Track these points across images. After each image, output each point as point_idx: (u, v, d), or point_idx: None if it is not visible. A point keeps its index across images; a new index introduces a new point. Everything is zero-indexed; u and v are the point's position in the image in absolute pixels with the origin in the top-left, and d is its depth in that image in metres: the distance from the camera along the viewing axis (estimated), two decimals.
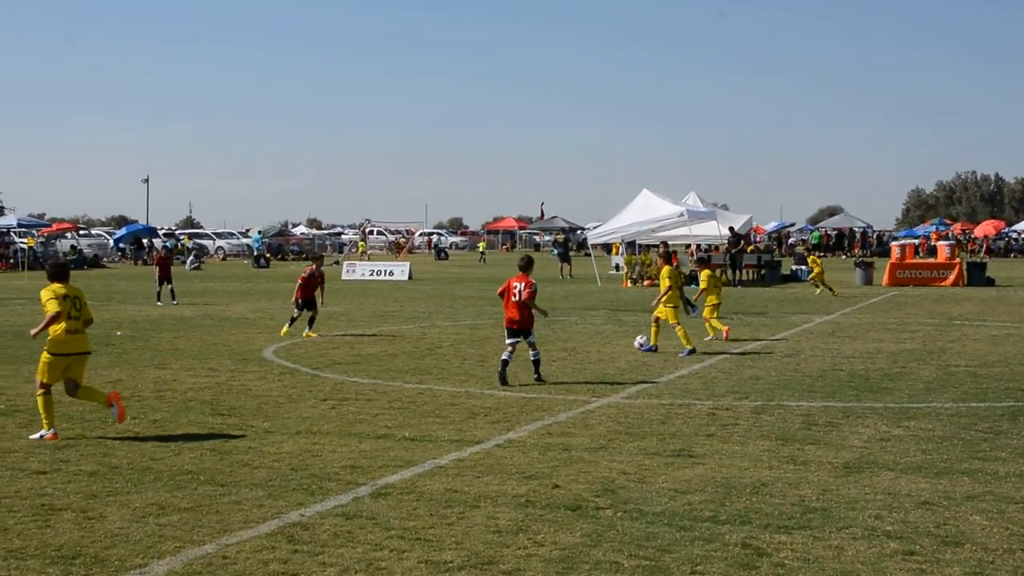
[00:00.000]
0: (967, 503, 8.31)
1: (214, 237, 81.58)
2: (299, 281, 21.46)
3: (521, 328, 14.74)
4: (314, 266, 21.87)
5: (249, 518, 7.89)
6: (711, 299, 20.51)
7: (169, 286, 29.83)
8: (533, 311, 14.76)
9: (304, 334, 20.77)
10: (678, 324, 18.31)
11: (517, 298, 14.73)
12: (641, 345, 18.75)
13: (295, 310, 21.37)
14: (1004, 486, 8.85)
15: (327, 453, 10.09)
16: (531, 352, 14.91)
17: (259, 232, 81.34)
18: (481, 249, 77.84)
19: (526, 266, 15.03)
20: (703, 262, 22.51)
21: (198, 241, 76.12)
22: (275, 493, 8.60)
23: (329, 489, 8.72)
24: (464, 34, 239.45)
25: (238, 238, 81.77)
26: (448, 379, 15.11)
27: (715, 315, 20.48)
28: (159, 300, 29.62)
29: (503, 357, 14.73)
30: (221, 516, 7.95)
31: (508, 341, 14.84)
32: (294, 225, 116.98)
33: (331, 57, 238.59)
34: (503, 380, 14.42)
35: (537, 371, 14.89)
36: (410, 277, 45.56)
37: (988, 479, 9.09)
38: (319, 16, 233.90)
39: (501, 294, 15.04)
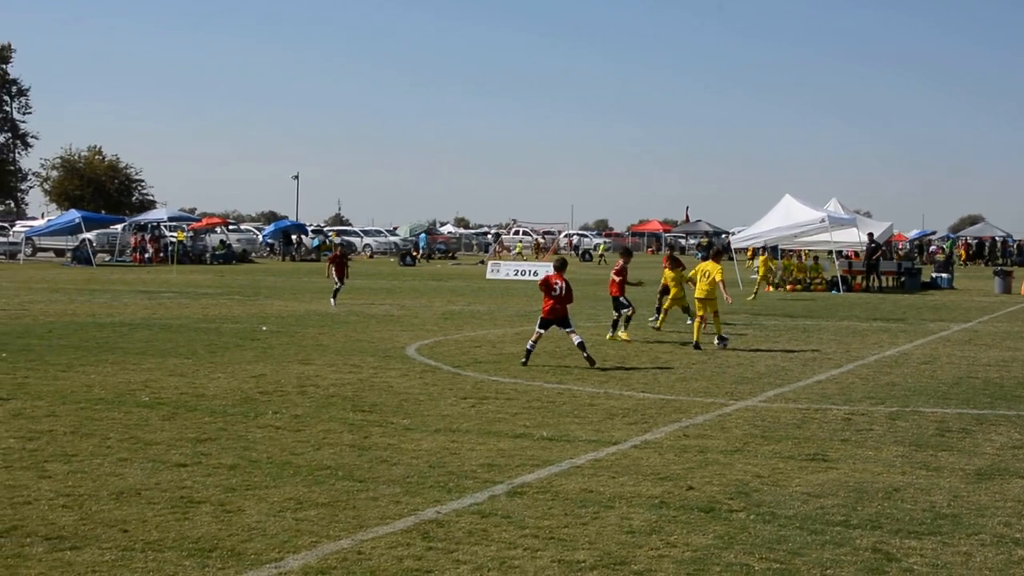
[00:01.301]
0: None
1: (362, 235, 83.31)
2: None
3: (556, 319, 16.78)
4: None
5: (385, 514, 8.15)
6: (675, 292, 21.42)
7: (338, 286, 28.76)
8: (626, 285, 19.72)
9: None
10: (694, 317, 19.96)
11: (557, 293, 16.78)
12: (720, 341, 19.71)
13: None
14: None
15: (465, 451, 10.44)
16: (574, 338, 16.67)
17: (409, 230, 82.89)
18: (600, 251, 76.89)
19: (560, 267, 17.58)
20: (674, 262, 22.28)
21: (346, 238, 77.82)
22: (412, 490, 8.89)
23: (466, 487, 9.02)
24: (611, 29, 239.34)
25: (386, 235, 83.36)
26: (588, 379, 15.38)
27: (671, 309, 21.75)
28: (334, 300, 28.42)
29: (529, 345, 16.87)
30: (358, 512, 8.22)
31: (539, 330, 16.92)
32: (442, 224, 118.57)
33: (478, 55, 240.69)
34: (527, 361, 16.64)
35: (585, 352, 16.54)
36: None
37: None
38: (469, 15, 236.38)
39: (542, 287, 17.10)
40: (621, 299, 20.82)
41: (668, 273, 21.33)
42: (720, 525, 7.96)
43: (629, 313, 20.83)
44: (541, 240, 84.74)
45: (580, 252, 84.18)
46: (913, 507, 8.47)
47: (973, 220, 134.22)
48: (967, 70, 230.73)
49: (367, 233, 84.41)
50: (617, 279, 20.88)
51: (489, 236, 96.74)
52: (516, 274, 47.41)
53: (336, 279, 28.94)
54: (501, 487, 9.02)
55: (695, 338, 19.43)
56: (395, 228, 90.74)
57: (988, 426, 11.91)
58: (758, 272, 37.82)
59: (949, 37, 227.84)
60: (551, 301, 16.85)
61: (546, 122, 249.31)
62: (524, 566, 7.02)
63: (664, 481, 9.28)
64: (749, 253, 57.12)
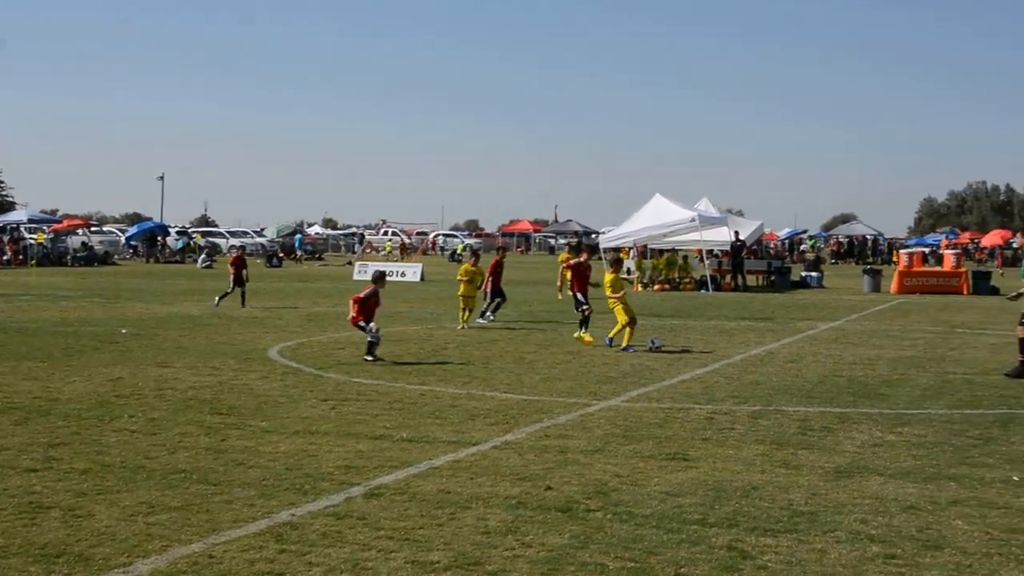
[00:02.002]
0: (951, 508, 8.40)
1: (228, 236, 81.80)
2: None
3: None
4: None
5: (239, 517, 7.96)
6: (610, 302, 20.55)
7: (241, 289, 28.32)
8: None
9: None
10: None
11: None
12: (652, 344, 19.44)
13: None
14: (988, 492, 8.94)
15: (323, 453, 10.20)
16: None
17: (277, 231, 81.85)
18: (459, 250, 77.20)
19: (377, 280, 18.27)
20: (614, 264, 22.33)
21: (211, 239, 76.41)
22: (267, 493, 8.69)
23: (322, 489, 8.81)
24: (484, 26, 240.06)
25: (252, 236, 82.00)
26: (451, 381, 15.22)
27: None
28: (218, 303, 28.04)
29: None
30: (211, 515, 8.02)
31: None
32: (309, 224, 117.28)
33: (356, 43, 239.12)
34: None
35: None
36: (422, 278, 45.73)
37: (974, 484, 9.18)
38: (346, 9, 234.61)
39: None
40: (579, 296, 21.11)
41: (608, 278, 20.89)
42: (577, 525, 7.85)
43: (588, 312, 20.98)
44: (407, 240, 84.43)
45: (450, 253, 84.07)
46: (771, 505, 8.48)
47: (845, 219, 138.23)
48: (834, 74, 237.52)
49: (233, 234, 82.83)
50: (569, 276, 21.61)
51: (364, 236, 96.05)
52: None
53: (231, 283, 28.54)
54: (358, 489, 8.84)
55: (626, 342, 19.31)
56: (262, 229, 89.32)
57: (850, 424, 12.07)
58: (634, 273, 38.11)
59: (818, 42, 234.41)
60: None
61: (415, 120, 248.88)
62: (377, 568, 6.87)
63: (523, 481, 9.16)
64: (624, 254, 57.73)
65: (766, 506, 8.45)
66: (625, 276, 48.95)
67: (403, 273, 46.95)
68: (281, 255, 66.19)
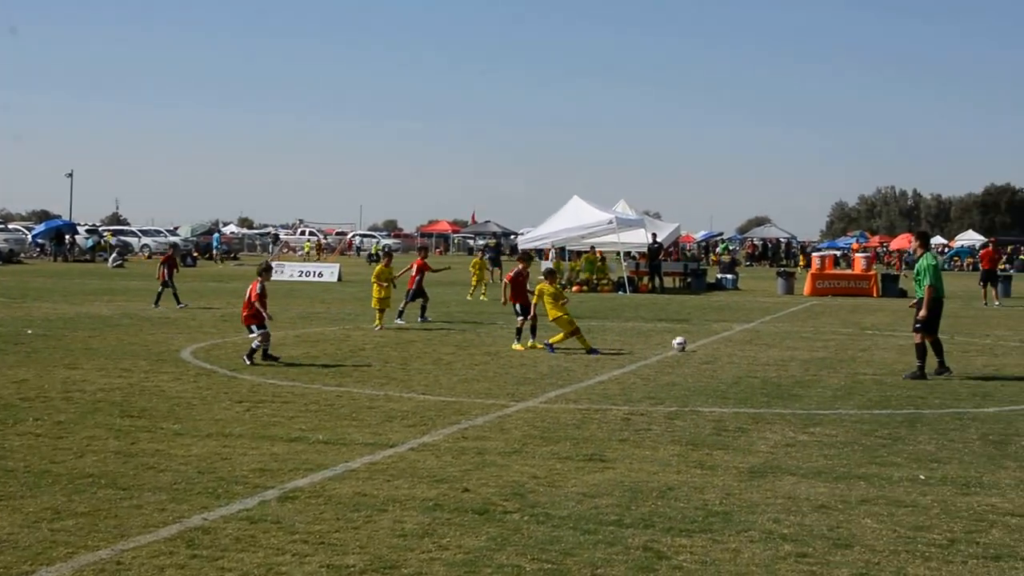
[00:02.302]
0: (861, 506, 8.55)
1: (139, 235, 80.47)
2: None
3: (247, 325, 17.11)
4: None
5: (149, 522, 7.81)
6: (553, 313, 19.82)
7: (172, 289, 28.19)
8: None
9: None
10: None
11: (246, 298, 17.03)
12: (680, 345, 19.74)
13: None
14: (896, 490, 9.12)
15: (237, 456, 10.07)
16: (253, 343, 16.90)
17: (191, 230, 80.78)
18: (375, 250, 77.28)
19: (262, 272, 17.75)
20: (550, 274, 21.79)
21: (122, 238, 75.14)
22: (179, 497, 8.55)
23: (235, 492, 8.70)
24: (399, 26, 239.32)
25: (166, 235, 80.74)
26: (368, 382, 15.14)
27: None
28: (157, 304, 28.05)
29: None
30: (119, 521, 7.85)
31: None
32: (224, 224, 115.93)
33: (268, 43, 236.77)
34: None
35: (251, 357, 16.78)
36: (339, 279, 45.44)
37: (882, 483, 9.35)
38: (259, 7, 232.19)
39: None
40: (517, 307, 20.41)
41: (541, 287, 20.40)
42: (494, 527, 7.85)
43: (527, 322, 20.33)
44: (323, 240, 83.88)
45: (369, 254, 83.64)
46: (686, 505, 8.55)
47: (759, 221, 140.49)
48: (751, 77, 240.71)
49: (146, 233, 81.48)
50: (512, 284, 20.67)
51: (278, 236, 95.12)
52: (300, 275, 46.63)
53: (164, 281, 28.21)
54: (272, 492, 8.74)
55: (585, 347, 19.22)
56: (176, 228, 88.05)
57: (764, 424, 12.22)
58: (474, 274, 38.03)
59: (737, 47, 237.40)
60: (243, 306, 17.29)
61: (333, 119, 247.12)
62: (292, 572, 6.79)
63: (440, 483, 9.13)
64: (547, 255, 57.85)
65: (681, 506, 8.52)
66: (542, 278, 49.34)
67: (320, 273, 46.60)
68: (195, 254, 65.29)
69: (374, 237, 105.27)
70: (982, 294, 36.12)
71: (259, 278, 17.44)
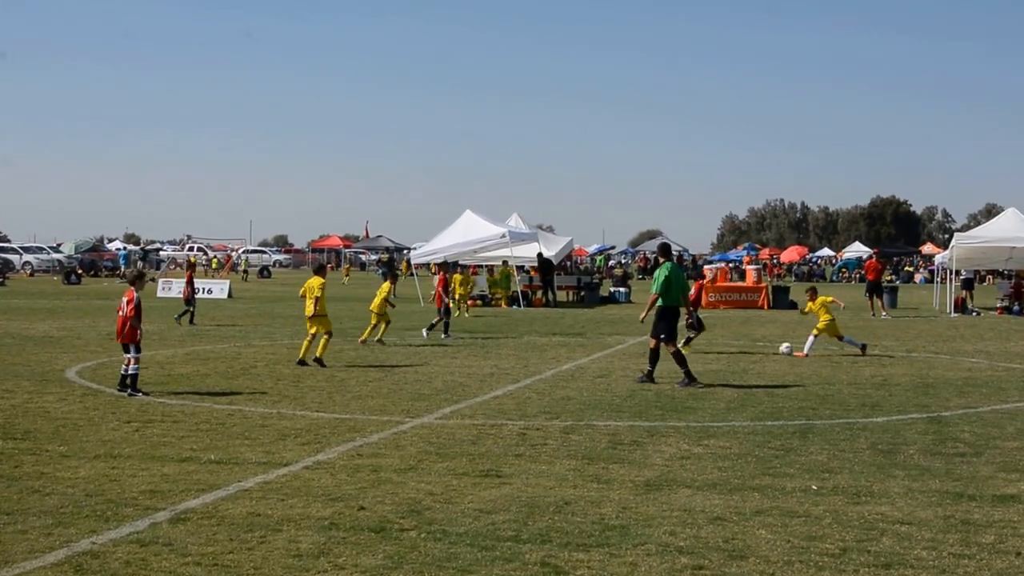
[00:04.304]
0: (755, 518, 8.64)
1: (21, 252, 78.24)
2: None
3: (122, 343, 15.54)
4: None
5: (35, 548, 7.56)
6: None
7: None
8: None
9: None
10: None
11: (123, 312, 15.54)
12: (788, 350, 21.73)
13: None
14: (789, 501, 9.24)
15: (126, 478, 9.81)
16: (130, 368, 15.35)
17: (75, 246, 78.88)
18: (244, 266, 76.58)
19: (134, 280, 16.53)
20: (319, 270, 21.36)
21: (2, 256, 72.98)
22: (66, 521, 8.29)
23: (125, 515, 8.47)
24: (290, 40, 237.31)
25: (48, 252, 78.64)
26: (260, 400, 14.91)
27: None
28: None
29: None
30: (3, 547, 7.58)
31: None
32: (110, 240, 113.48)
33: (150, 57, 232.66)
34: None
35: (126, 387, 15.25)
36: (230, 295, 44.78)
37: (776, 494, 9.48)
38: (138, 16, 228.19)
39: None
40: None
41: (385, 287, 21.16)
42: (390, 545, 7.75)
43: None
44: (209, 255, 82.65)
45: (259, 269, 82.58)
46: (583, 520, 8.55)
47: (651, 234, 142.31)
48: (642, 89, 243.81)
49: (27, 250, 79.20)
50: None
51: (162, 252, 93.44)
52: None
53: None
54: (163, 514, 8.52)
55: (302, 355, 19.17)
56: (59, 244, 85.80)
57: (659, 437, 12.30)
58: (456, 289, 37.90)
59: (627, 57, 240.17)
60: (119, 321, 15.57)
61: (222, 134, 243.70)
62: None
63: (335, 502, 9.00)
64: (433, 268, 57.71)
65: (578, 521, 8.52)
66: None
67: (210, 290, 45.84)
68: (80, 272, 63.73)
69: (264, 252, 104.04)
70: (869, 305, 37.00)
71: (131, 288, 16.12)
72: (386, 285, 24.31)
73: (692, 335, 22.51)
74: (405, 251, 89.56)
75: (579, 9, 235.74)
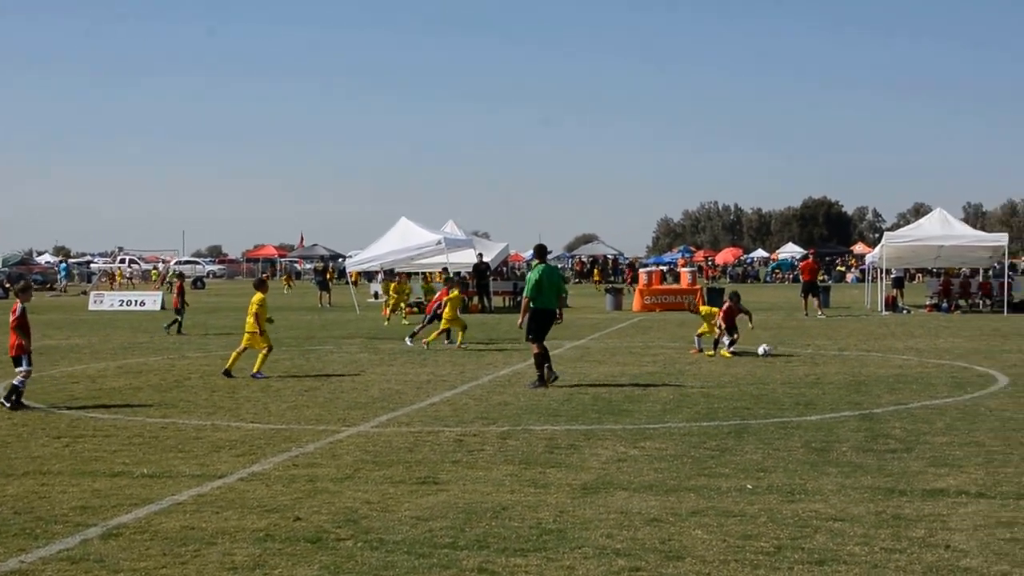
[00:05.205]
0: (691, 518, 8.69)
1: None
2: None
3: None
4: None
5: None
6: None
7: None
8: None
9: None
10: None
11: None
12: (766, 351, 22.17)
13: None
14: (725, 500, 9.31)
15: (56, 494, 9.64)
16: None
17: (2, 260, 77.53)
18: (171, 278, 73.38)
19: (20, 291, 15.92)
20: (259, 285, 20.80)
21: None
22: None
23: (55, 532, 8.32)
24: (219, 47, 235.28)
25: None
26: (194, 412, 14.74)
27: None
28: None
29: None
30: None
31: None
32: (39, 253, 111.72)
33: (77, 67, 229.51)
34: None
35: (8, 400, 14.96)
36: (163, 307, 44.25)
37: (712, 494, 9.54)
38: (58, 26, 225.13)
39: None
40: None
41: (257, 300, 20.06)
42: (327, 555, 7.69)
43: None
44: (142, 267, 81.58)
45: (193, 280, 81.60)
46: (520, 524, 8.55)
47: (587, 239, 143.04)
48: (576, 92, 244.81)
49: None
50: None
51: (93, 265, 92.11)
52: (121, 304, 45.22)
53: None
54: (95, 530, 8.39)
55: (228, 366, 19.06)
56: None
57: (596, 441, 12.33)
58: (388, 297, 37.71)
59: (559, 59, 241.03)
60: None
61: (149, 141, 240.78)
62: None
63: (270, 513, 8.92)
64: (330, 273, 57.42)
65: (515, 526, 8.51)
66: (372, 300, 49.06)
67: (142, 302, 45.29)
68: (7, 286, 62.56)
69: (198, 263, 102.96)
70: (803, 305, 37.43)
71: (17, 300, 15.63)
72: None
73: (727, 340, 22.50)
74: (341, 259, 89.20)
75: (510, 12, 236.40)
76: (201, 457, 11.43)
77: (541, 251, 18.71)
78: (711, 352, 22.23)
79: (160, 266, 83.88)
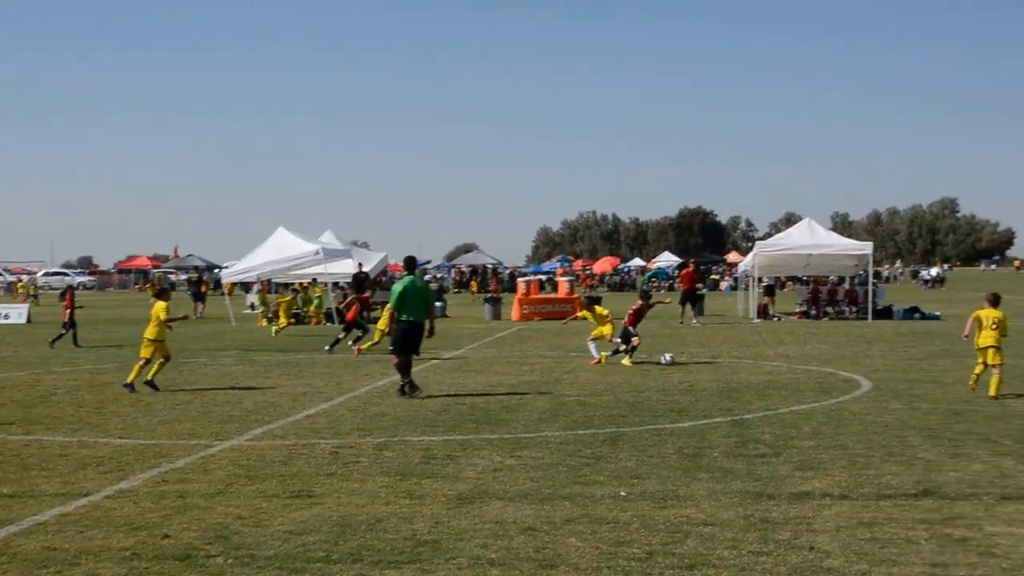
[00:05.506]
0: (565, 526, 8.74)
1: None
2: None
3: None
4: None
5: None
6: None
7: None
8: None
9: None
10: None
11: None
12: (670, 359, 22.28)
13: None
14: (599, 508, 9.38)
15: None
16: None
17: None
18: (32, 291, 69.26)
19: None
20: (161, 295, 20.12)
21: None
22: None
23: None
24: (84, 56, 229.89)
25: None
26: (60, 428, 14.31)
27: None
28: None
29: None
30: None
31: None
32: None
33: None
34: None
35: None
36: (29, 320, 42.95)
37: (586, 502, 9.61)
38: None
39: None
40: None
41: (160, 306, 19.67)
42: (196, 572, 7.54)
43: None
44: (7, 278, 79.07)
45: (61, 292, 79.24)
46: (395, 536, 8.49)
47: (468, 248, 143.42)
48: (452, 101, 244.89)
49: None
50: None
51: None
52: None
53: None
54: None
55: (130, 379, 18.40)
56: None
57: (472, 451, 12.32)
58: (279, 307, 37.08)
59: (432, 68, 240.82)
60: None
61: (16, 151, 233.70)
62: None
63: (138, 531, 8.70)
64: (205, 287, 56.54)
65: (390, 538, 8.45)
66: (249, 311, 48.35)
67: (7, 315, 43.88)
68: None
69: (67, 275, 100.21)
70: (679, 312, 38.00)
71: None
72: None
73: (624, 348, 22.76)
74: (217, 270, 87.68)
75: (387, 24, 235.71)
76: (66, 475, 11.10)
77: (410, 262, 18.65)
78: (607, 356, 22.48)
79: (25, 278, 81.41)
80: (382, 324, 25.25)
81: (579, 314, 24.73)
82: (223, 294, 46.90)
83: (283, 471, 11.24)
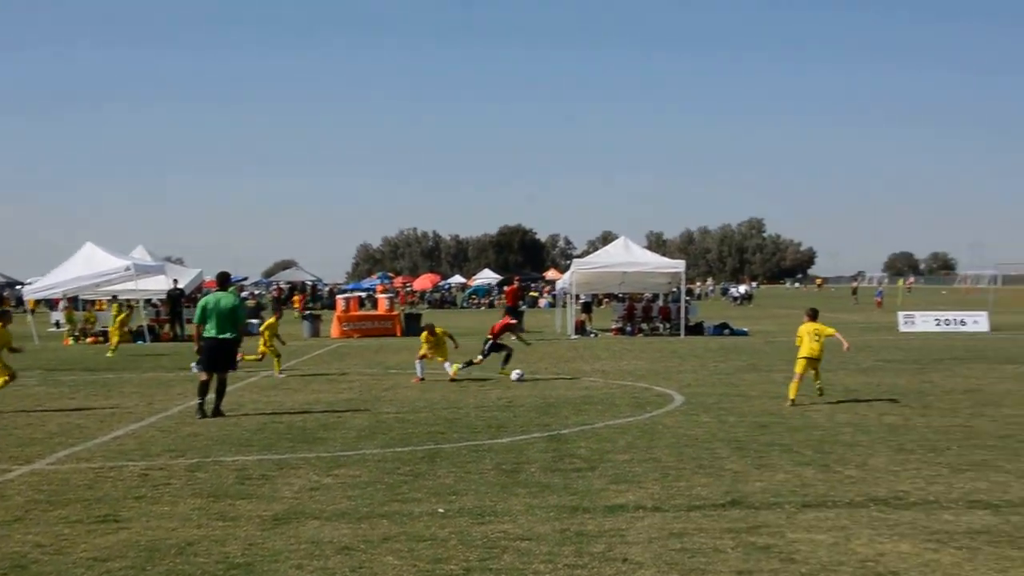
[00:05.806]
0: (383, 544, 8.66)
1: None
2: None
3: None
4: None
5: None
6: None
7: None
8: None
9: None
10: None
11: None
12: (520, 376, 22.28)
13: None
14: (416, 525, 9.33)
15: None
16: None
17: None
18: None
19: None
20: (3, 315, 19.33)
21: None
22: None
23: None
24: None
25: None
26: None
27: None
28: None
29: None
30: None
31: None
32: None
33: None
34: None
35: None
36: None
37: (404, 520, 9.54)
38: None
39: None
40: None
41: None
42: None
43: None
44: None
45: None
46: (207, 560, 8.26)
47: (286, 265, 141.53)
48: (269, 113, 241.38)
49: None
50: None
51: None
52: None
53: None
54: None
55: None
56: None
57: (288, 470, 12.10)
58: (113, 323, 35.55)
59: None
60: None
61: None
62: None
63: None
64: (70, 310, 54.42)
65: (202, 562, 8.22)
66: (54, 329, 46.53)
67: None
68: None
69: None
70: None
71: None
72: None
73: (479, 359, 23.23)
74: (19, 286, 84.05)
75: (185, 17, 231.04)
76: None
77: (222, 279, 18.32)
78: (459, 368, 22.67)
79: None
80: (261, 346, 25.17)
81: (421, 338, 23.84)
82: (26, 311, 44.97)
83: (88, 495, 10.82)
